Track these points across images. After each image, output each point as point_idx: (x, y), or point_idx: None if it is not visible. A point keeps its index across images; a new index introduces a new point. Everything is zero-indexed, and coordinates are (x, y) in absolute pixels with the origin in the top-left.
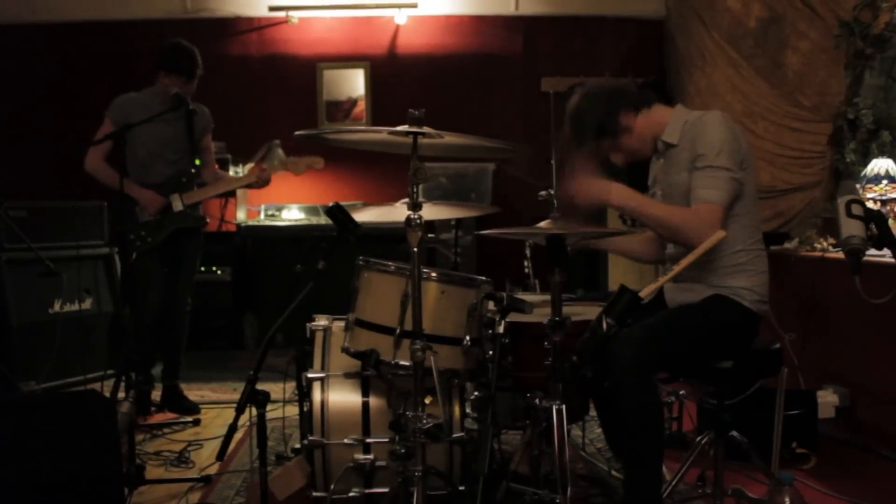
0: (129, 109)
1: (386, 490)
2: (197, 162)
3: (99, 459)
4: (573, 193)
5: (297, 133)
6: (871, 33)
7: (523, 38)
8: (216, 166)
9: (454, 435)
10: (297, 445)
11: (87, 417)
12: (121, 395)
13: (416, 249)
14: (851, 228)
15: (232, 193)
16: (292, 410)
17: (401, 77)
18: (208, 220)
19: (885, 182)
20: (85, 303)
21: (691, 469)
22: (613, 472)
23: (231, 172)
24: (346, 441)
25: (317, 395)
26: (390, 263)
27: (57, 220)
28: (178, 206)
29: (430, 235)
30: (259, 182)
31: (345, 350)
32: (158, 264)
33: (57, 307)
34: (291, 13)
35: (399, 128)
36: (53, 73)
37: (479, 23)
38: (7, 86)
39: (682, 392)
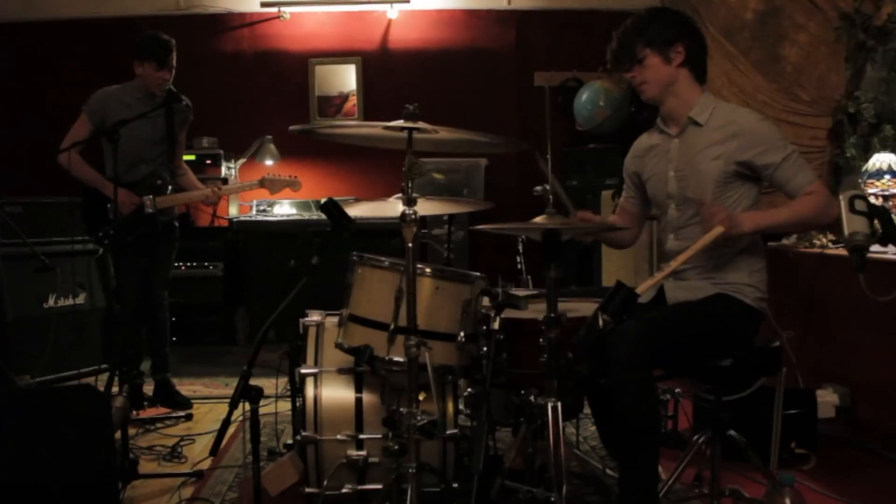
0: (107, 105)
1: (379, 487)
2: (187, 157)
3: (93, 453)
4: (713, 215)
5: (291, 128)
6: (874, 25)
7: (516, 33)
8: (185, 165)
9: (448, 432)
10: (290, 441)
11: (82, 412)
12: (114, 389)
13: (410, 245)
14: (855, 225)
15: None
16: (284, 406)
17: (393, 72)
18: (177, 224)
19: (887, 177)
20: (79, 298)
21: (688, 468)
22: (608, 471)
23: (223, 168)
24: (338, 437)
25: (310, 391)
26: (384, 259)
27: (52, 215)
28: (149, 208)
29: (422, 231)
30: (209, 200)
31: (338, 346)
32: (134, 261)
33: (51, 302)
34: (283, 8)
35: (394, 122)
36: (47, 70)
37: (471, 17)
38: (1, 82)
39: (677, 390)
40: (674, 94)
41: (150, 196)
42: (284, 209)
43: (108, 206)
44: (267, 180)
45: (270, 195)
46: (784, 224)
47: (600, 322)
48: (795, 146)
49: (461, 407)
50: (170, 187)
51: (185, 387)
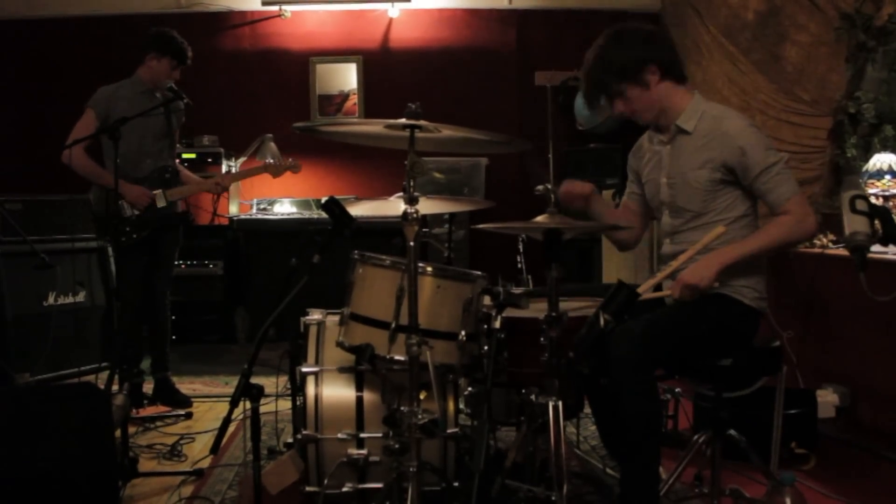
0: (111, 102)
1: (379, 485)
2: (187, 155)
3: (93, 452)
4: (694, 291)
5: (294, 125)
6: (874, 25)
7: (517, 32)
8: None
9: (449, 431)
10: (290, 440)
11: (82, 410)
12: (114, 387)
13: (412, 243)
14: (856, 224)
15: (225, 189)
16: (285, 405)
17: (394, 71)
18: (191, 216)
19: (887, 177)
20: (79, 295)
21: (688, 468)
22: (608, 470)
23: (224, 166)
24: (339, 436)
25: (310, 390)
26: (386, 257)
27: (52, 213)
28: (161, 202)
29: (423, 230)
30: (218, 189)
31: (339, 344)
32: (137, 258)
33: (51, 300)
34: (284, 7)
35: (397, 121)
36: (48, 68)
37: (472, 16)
38: (2, 80)
39: (677, 389)
40: (665, 109)
41: (160, 190)
42: (285, 208)
43: (120, 203)
44: (270, 165)
45: (273, 178)
46: (758, 252)
47: (601, 321)
48: (785, 155)
49: (462, 406)
50: (177, 179)
51: (185, 385)
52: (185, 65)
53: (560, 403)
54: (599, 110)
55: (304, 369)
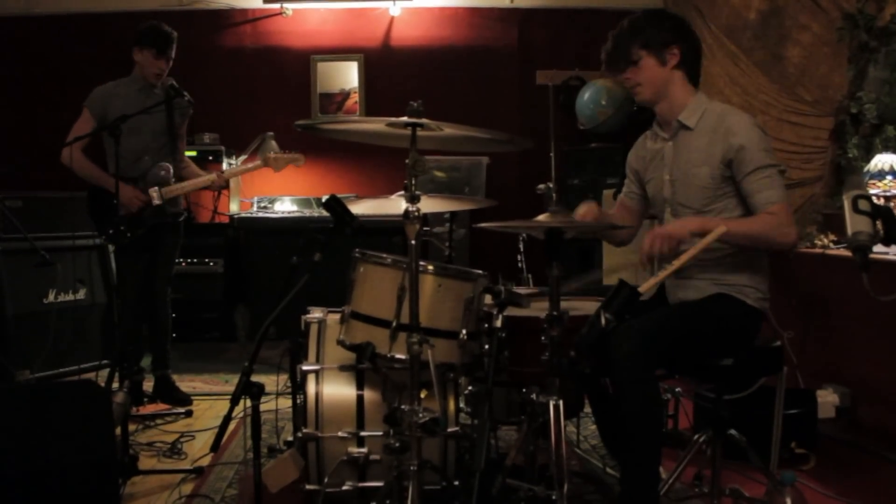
0: (108, 100)
1: (380, 484)
2: (188, 153)
3: (94, 449)
4: (664, 240)
5: (297, 123)
6: (876, 25)
7: (518, 31)
8: (186, 157)
9: (449, 429)
10: (290, 438)
11: (83, 407)
12: (115, 385)
13: (413, 242)
14: (858, 224)
15: (225, 185)
16: (285, 403)
17: (395, 69)
18: (185, 214)
19: (889, 178)
20: (79, 293)
21: (688, 468)
22: (608, 470)
23: (224, 164)
24: (340, 434)
25: (311, 388)
26: (387, 256)
27: (52, 210)
28: (156, 200)
29: (424, 228)
30: (215, 185)
31: (340, 343)
32: (137, 256)
33: (52, 297)
34: (286, 5)
35: (399, 119)
36: (49, 65)
37: (473, 15)
38: (2, 77)
39: (678, 389)
40: (667, 97)
41: (157, 188)
42: (285, 206)
43: (116, 202)
44: (271, 159)
45: (275, 172)
46: (736, 233)
47: (602, 320)
48: (782, 165)
49: (462, 405)
50: (172, 178)
51: (185, 383)
52: (167, 51)
53: (561, 403)
54: (602, 112)
55: (305, 367)
